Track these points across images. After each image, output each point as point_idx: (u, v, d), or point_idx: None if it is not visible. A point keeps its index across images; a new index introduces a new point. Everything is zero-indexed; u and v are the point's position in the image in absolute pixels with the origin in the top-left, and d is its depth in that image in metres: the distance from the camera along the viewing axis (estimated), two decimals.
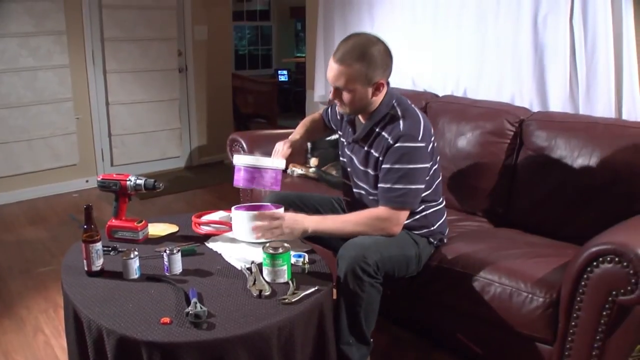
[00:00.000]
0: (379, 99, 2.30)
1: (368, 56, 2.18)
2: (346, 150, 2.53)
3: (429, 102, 3.44)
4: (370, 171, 2.36)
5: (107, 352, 1.75)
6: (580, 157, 2.69)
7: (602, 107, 2.94)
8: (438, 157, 2.43)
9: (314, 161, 3.71)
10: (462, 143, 3.10)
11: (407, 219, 2.37)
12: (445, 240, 2.59)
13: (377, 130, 2.32)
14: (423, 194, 2.34)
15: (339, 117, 2.64)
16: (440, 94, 3.62)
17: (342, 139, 2.60)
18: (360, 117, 2.41)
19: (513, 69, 3.31)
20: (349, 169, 2.54)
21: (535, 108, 3.19)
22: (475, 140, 3.05)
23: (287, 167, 3.67)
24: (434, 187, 2.43)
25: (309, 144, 3.72)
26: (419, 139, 2.22)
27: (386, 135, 2.27)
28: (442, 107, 3.35)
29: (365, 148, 2.37)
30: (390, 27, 4.00)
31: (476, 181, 3.05)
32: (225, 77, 6.39)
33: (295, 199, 2.66)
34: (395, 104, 2.32)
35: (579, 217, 2.68)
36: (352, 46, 2.19)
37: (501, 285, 2.29)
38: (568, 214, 2.72)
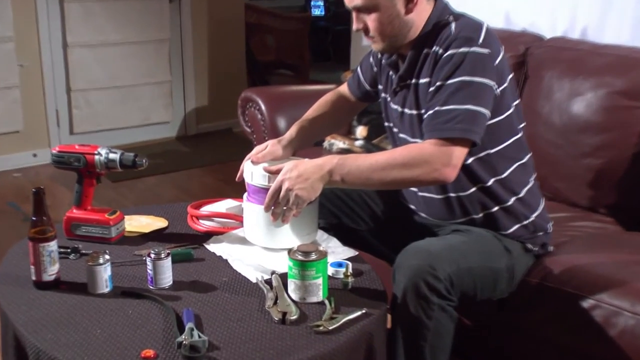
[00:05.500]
0: (419, 17, 2.29)
1: None
2: (392, 105, 2.50)
3: (529, 48, 3.42)
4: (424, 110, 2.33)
5: None
6: None
7: None
8: (519, 101, 2.40)
9: (361, 131, 3.70)
10: (578, 108, 3.08)
11: (490, 208, 2.37)
12: (550, 248, 2.57)
13: (425, 50, 2.31)
14: (500, 146, 2.32)
15: (375, 67, 2.64)
16: (547, 36, 3.59)
17: (383, 94, 2.58)
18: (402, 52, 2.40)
19: None
20: (400, 134, 2.49)
21: None
22: (599, 104, 3.03)
23: (323, 140, 3.67)
24: (516, 138, 2.38)
25: None
26: (479, 42, 2.20)
27: (435, 48, 2.26)
28: (549, 54, 3.33)
29: (414, 81, 2.35)
30: None
31: (599, 164, 3.02)
32: (235, 8, 6.42)
33: (336, 190, 2.62)
34: (447, 15, 2.31)
35: None
36: None
37: (634, 316, 2.27)
38: None
